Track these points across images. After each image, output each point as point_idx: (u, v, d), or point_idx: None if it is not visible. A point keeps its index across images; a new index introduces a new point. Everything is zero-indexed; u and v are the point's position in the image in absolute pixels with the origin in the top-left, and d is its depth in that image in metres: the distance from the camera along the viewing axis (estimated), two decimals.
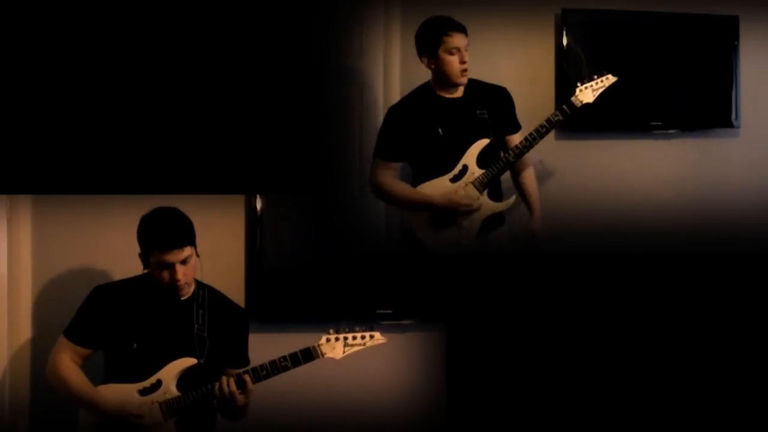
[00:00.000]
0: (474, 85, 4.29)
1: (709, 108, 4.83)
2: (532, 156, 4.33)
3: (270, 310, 4.35)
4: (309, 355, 3.64)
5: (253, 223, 4.41)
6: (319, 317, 4.06)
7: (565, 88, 4.64)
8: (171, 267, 3.59)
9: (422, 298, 4.43)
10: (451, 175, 4.24)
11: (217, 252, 4.10)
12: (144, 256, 3.64)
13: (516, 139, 4.28)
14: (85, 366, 3.74)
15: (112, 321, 3.69)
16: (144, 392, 3.63)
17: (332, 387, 4.32)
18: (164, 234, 3.60)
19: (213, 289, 3.81)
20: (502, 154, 4.24)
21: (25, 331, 4.32)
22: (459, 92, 4.27)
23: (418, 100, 4.29)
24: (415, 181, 4.32)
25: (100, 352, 3.75)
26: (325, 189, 4.49)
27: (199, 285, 3.76)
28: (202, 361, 3.65)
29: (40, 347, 4.22)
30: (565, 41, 4.70)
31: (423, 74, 4.42)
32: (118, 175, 4.22)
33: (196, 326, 3.69)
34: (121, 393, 3.64)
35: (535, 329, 4.33)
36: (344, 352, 3.66)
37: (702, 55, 4.80)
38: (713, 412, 4.43)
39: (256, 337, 3.86)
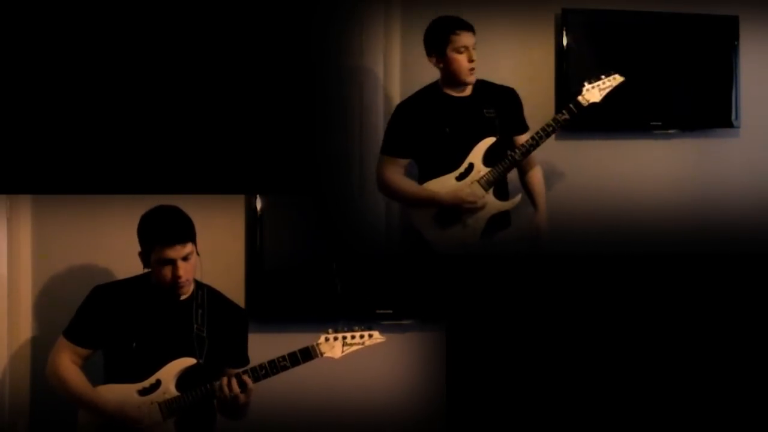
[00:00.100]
0: (482, 85, 4.31)
1: (709, 108, 4.83)
2: (536, 156, 4.33)
3: (270, 310, 4.35)
4: (308, 354, 3.64)
5: (253, 223, 4.41)
6: (319, 317, 4.07)
7: (565, 88, 4.65)
8: (173, 263, 3.59)
9: (422, 298, 4.43)
10: (456, 173, 4.24)
11: (217, 252, 4.10)
12: (144, 255, 3.65)
13: (523, 139, 4.28)
14: (85, 366, 3.74)
15: (112, 321, 3.69)
16: (143, 392, 3.63)
17: (332, 387, 4.32)
18: (167, 229, 3.61)
19: (212, 289, 3.81)
20: (508, 152, 4.24)
21: (25, 331, 4.32)
22: (467, 91, 4.28)
23: (426, 98, 4.31)
24: (422, 179, 4.32)
25: (100, 352, 3.75)
26: (325, 189, 4.50)
27: (198, 285, 3.76)
28: (201, 361, 3.65)
29: (40, 347, 4.22)
30: (565, 41, 4.70)
31: (423, 74, 4.42)
32: (118, 175, 4.22)
33: (195, 326, 3.69)
34: (120, 393, 3.64)
35: (534, 329, 4.33)
36: (343, 351, 3.66)
37: (702, 55, 4.80)
38: (713, 411, 4.43)
39: (256, 337, 3.86)
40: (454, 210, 4.24)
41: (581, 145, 4.61)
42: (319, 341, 3.66)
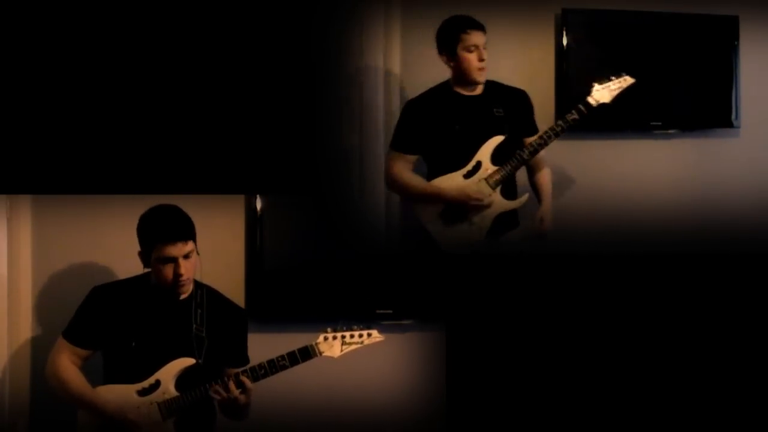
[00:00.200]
0: (493, 85, 4.33)
1: (709, 108, 4.83)
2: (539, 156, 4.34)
3: (270, 310, 4.35)
4: (307, 353, 3.65)
5: (253, 223, 4.42)
6: (319, 317, 4.05)
7: (565, 88, 4.65)
8: (174, 262, 3.59)
9: (422, 298, 4.43)
10: (464, 170, 4.25)
11: (217, 252, 4.10)
12: (144, 254, 3.64)
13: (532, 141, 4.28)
14: (84, 367, 3.74)
15: (111, 321, 3.69)
16: (143, 393, 3.63)
17: (332, 387, 4.33)
18: (168, 227, 3.61)
19: (211, 289, 3.81)
20: (517, 152, 4.23)
21: (25, 331, 4.32)
22: (477, 90, 4.30)
23: (436, 96, 4.32)
24: (430, 176, 4.32)
25: (99, 353, 3.75)
26: (325, 189, 4.50)
27: (198, 285, 3.76)
28: (200, 361, 3.64)
29: (40, 347, 4.22)
30: (565, 41, 4.70)
31: (423, 74, 4.43)
32: (118, 175, 4.22)
33: (194, 326, 3.69)
34: (119, 394, 3.64)
35: (534, 329, 4.33)
36: (342, 350, 3.66)
37: (702, 55, 4.80)
38: (714, 411, 4.43)
39: (256, 338, 3.86)
40: (461, 207, 4.24)
41: (581, 145, 4.61)
42: (318, 340, 3.66)
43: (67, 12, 4.18)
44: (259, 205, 4.41)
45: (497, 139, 4.24)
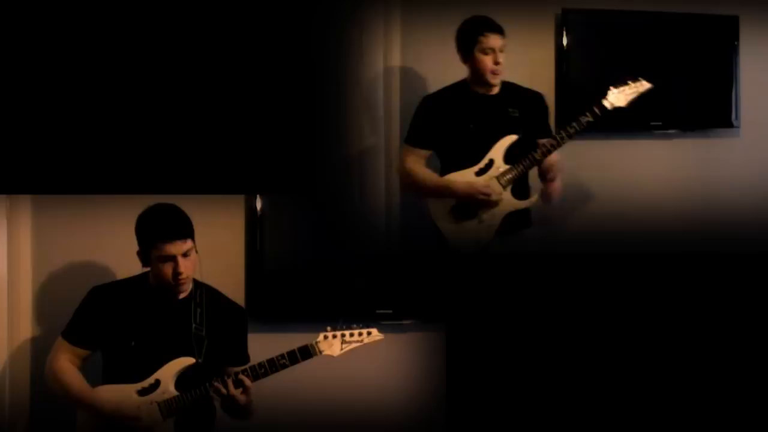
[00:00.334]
0: (510, 86, 4.34)
1: (709, 108, 4.82)
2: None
3: (270, 310, 4.36)
4: (306, 352, 3.65)
5: (253, 223, 4.42)
6: (319, 317, 4.05)
7: (565, 88, 4.65)
8: (173, 260, 3.59)
9: (422, 298, 4.43)
10: (477, 168, 4.25)
11: (217, 252, 4.09)
12: (144, 253, 3.64)
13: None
14: (84, 367, 3.74)
15: (110, 321, 3.69)
16: (142, 392, 3.63)
17: (332, 387, 4.33)
18: (167, 225, 3.62)
19: (210, 288, 3.81)
20: (530, 153, 4.22)
21: (25, 331, 4.32)
22: (494, 90, 4.31)
23: (453, 93, 4.34)
24: (443, 172, 4.32)
25: (99, 353, 3.75)
26: (325, 189, 4.50)
27: (197, 284, 3.76)
28: (200, 361, 3.64)
29: (40, 347, 4.22)
30: (565, 41, 4.70)
31: (423, 74, 4.43)
32: (118, 175, 4.23)
33: (193, 325, 3.69)
34: (119, 394, 3.64)
35: (534, 329, 4.33)
36: (342, 349, 3.66)
37: (702, 55, 4.79)
38: (714, 411, 4.43)
39: (256, 338, 3.86)
40: (471, 204, 4.23)
41: (581, 145, 4.59)
42: (318, 339, 3.66)
43: (67, 12, 4.18)
44: (259, 205, 4.41)
45: (510, 138, 4.24)
